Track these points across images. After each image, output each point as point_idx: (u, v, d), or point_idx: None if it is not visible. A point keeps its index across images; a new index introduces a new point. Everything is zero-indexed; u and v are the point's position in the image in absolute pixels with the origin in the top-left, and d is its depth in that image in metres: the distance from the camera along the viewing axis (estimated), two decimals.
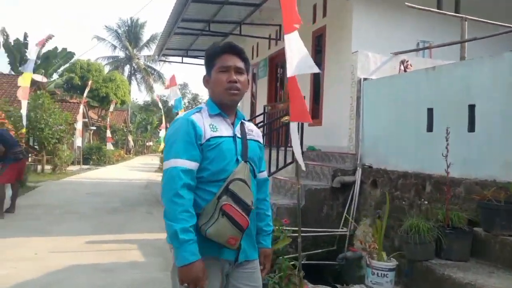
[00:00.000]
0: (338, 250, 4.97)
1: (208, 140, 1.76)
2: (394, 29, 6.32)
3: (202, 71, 1.95)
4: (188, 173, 1.70)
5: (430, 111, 4.32)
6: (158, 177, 17.44)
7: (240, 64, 1.86)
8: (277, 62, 9.92)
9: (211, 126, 1.79)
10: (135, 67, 47.76)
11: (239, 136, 1.85)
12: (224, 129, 1.82)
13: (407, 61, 5.64)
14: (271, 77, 10.07)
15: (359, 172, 5.07)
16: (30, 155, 17.70)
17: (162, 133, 26.79)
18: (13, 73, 24.73)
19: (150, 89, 49.39)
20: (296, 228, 4.12)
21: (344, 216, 5.09)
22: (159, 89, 51.51)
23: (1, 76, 21.80)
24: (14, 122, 12.75)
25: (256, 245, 1.94)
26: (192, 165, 1.72)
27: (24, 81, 12.88)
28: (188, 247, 1.63)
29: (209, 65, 1.89)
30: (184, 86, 66.36)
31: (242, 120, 1.93)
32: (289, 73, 3.26)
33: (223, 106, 1.86)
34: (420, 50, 6.30)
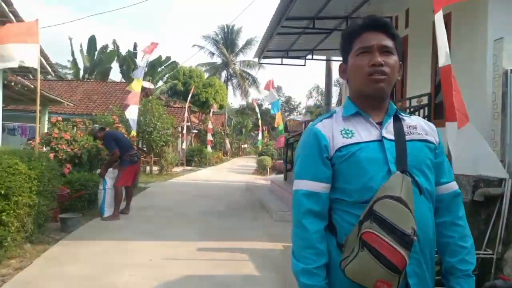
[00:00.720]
0: (480, 276, 4.16)
1: (339, 150, 1.32)
2: None
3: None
4: (311, 197, 1.31)
5: None
6: (256, 179, 17.50)
7: (387, 42, 1.36)
8: None
9: (343, 132, 1.34)
10: (231, 72, 49.34)
11: (391, 138, 1.34)
12: (363, 132, 1.35)
13: None
14: None
15: (508, 183, 4.19)
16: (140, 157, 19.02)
17: (260, 135, 27.58)
18: (124, 81, 26.97)
19: (245, 93, 50.71)
20: None
21: (487, 235, 4.25)
22: (254, 93, 52.76)
23: (114, 84, 23.88)
24: (126, 126, 13.67)
25: None
26: (317, 186, 1.32)
27: (135, 86, 13.77)
28: None
29: (345, 49, 1.42)
30: (277, 89, 67.06)
31: (400, 115, 1.41)
32: (441, 61, 2.65)
33: (366, 101, 1.38)
34: None
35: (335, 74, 14.37)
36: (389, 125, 1.38)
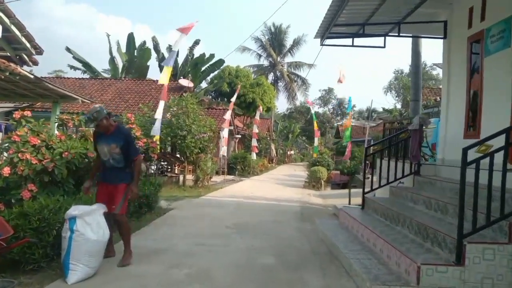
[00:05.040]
0: None
1: None
2: None
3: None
4: None
5: None
6: (310, 197, 14.15)
7: None
8: None
9: None
10: (278, 74, 46.62)
11: None
12: None
13: None
14: None
15: None
16: (169, 168, 16.31)
17: (316, 141, 24.29)
18: None
19: (293, 96, 47.65)
20: None
21: None
22: (301, 97, 49.41)
23: (150, 83, 21.52)
24: (144, 128, 10.70)
25: None
26: None
27: (163, 78, 11.03)
28: None
29: None
30: (328, 91, 62.89)
31: None
32: None
33: None
34: None
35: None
36: None
